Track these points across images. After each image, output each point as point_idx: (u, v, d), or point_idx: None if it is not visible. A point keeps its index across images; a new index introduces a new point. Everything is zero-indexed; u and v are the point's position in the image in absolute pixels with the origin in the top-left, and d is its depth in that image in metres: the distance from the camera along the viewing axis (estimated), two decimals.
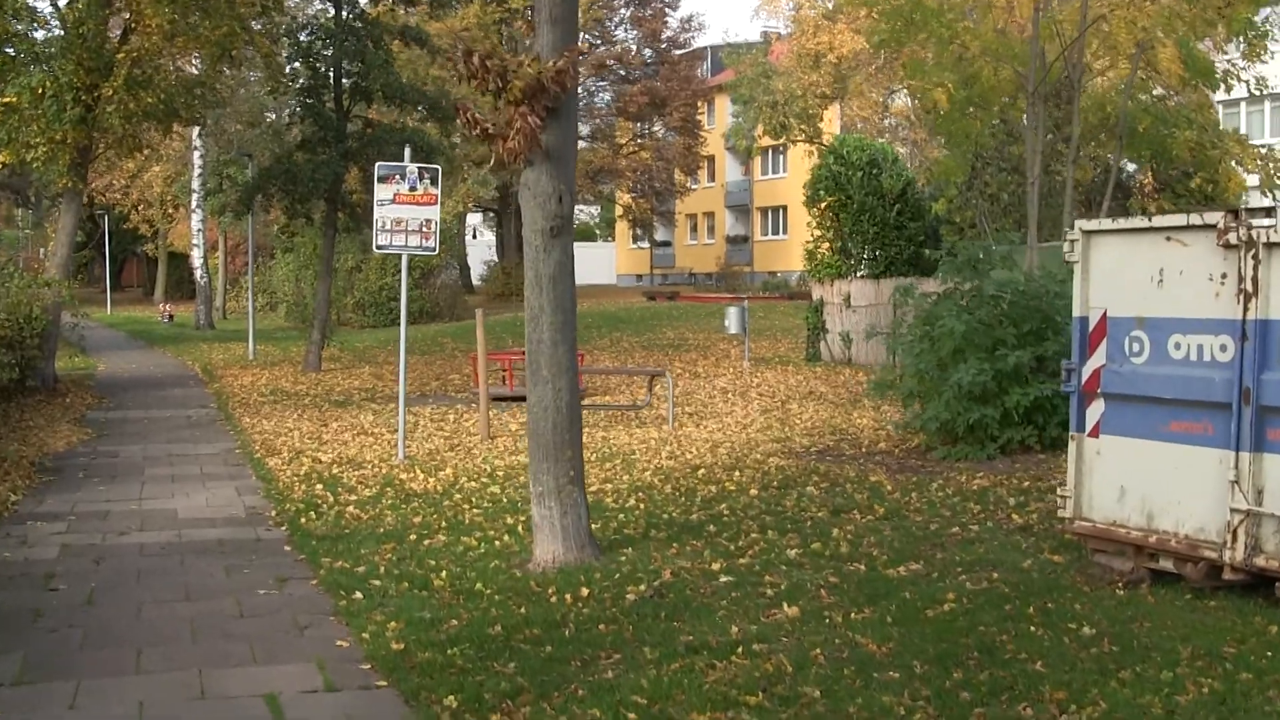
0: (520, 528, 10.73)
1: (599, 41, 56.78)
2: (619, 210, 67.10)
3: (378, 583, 9.03)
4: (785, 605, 7.97)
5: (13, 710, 6.61)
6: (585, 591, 8.44)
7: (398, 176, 15.29)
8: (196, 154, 43.98)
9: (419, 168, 15.42)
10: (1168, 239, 8.05)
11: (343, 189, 27.83)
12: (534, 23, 9.40)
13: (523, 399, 21.39)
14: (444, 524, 11.15)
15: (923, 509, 11.21)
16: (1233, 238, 7.63)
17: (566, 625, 7.76)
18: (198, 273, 47.20)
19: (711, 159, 68.56)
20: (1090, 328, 8.59)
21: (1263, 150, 22.43)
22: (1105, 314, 8.49)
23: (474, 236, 77.23)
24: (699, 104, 60.24)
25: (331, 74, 27.58)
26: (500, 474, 13.90)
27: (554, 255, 9.21)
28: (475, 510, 11.79)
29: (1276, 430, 7.52)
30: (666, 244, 76.80)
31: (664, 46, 59.16)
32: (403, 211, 15.26)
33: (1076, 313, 8.69)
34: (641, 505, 11.77)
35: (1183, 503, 7.97)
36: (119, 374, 29.23)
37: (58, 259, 23.84)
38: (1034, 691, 6.31)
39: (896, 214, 27.19)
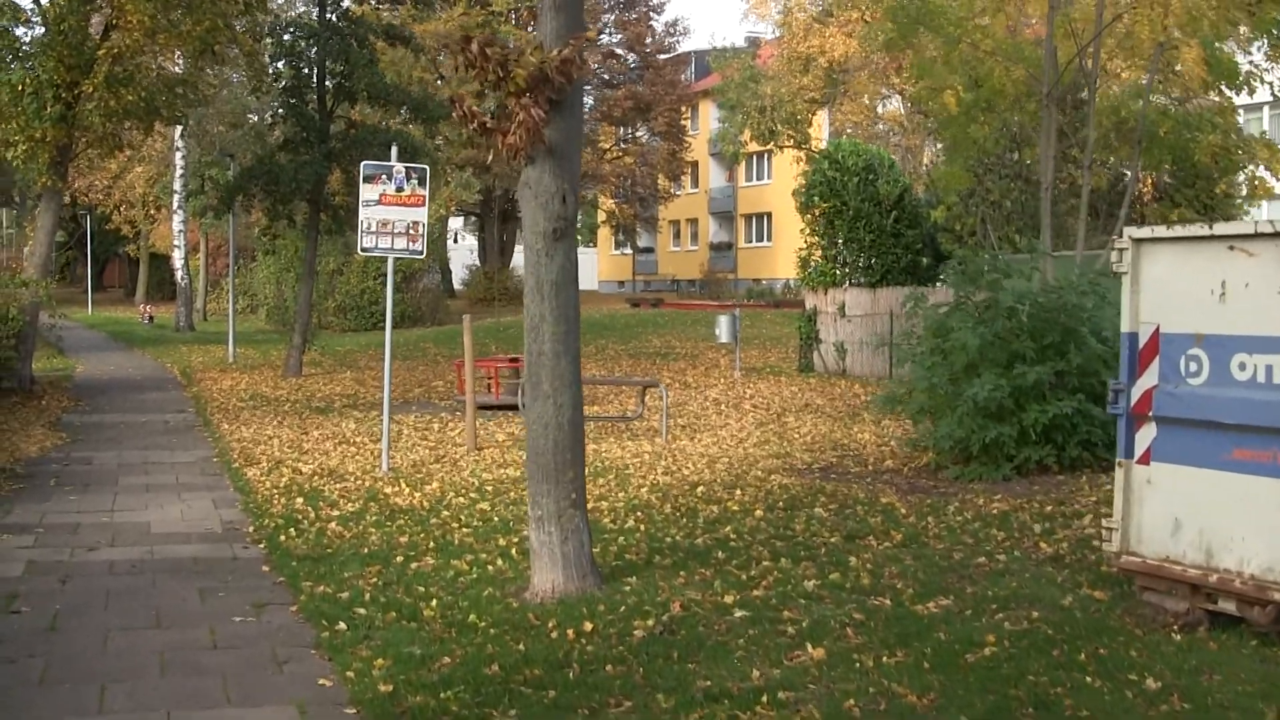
0: (514, 551, 10.03)
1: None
2: (601, 216, 66.52)
3: (363, 611, 8.31)
4: (809, 646, 7.26)
5: None
6: (589, 626, 7.72)
7: (384, 176, 14.60)
8: (178, 155, 43.26)
9: (407, 167, 14.73)
10: (1231, 248, 7.35)
11: (325, 190, 27.14)
12: (536, 9, 8.65)
13: (510, 408, 20.86)
14: (432, 544, 10.44)
15: (943, 535, 10.52)
16: None
17: (570, 665, 7.05)
18: (178, 274, 46.46)
19: (695, 165, 67.96)
20: (1140, 345, 7.90)
21: None
22: (1158, 330, 7.80)
23: (455, 240, 76.54)
24: (683, 109, 59.65)
25: (315, 73, 26.96)
26: (489, 489, 13.20)
27: (556, 259, 8.47)
28: (465, 529, 11.08)
29: None
30: (649, 250, 76.17)
31: (649, 51, 58.52)
32: (389, 213, 14.59)
33: (1125, 328, 7.98)
34: (642, 527, 11.07)
35: (1247, 539, 7.26)
36: (97, 376, 28.57)
37: (36, 259, 23.34)
38: None
39: (893, 221, 26.53)
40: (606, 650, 7.29)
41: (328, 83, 26.82)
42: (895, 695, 6.46)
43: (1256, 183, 20.46)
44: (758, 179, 66.63)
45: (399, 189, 14.57)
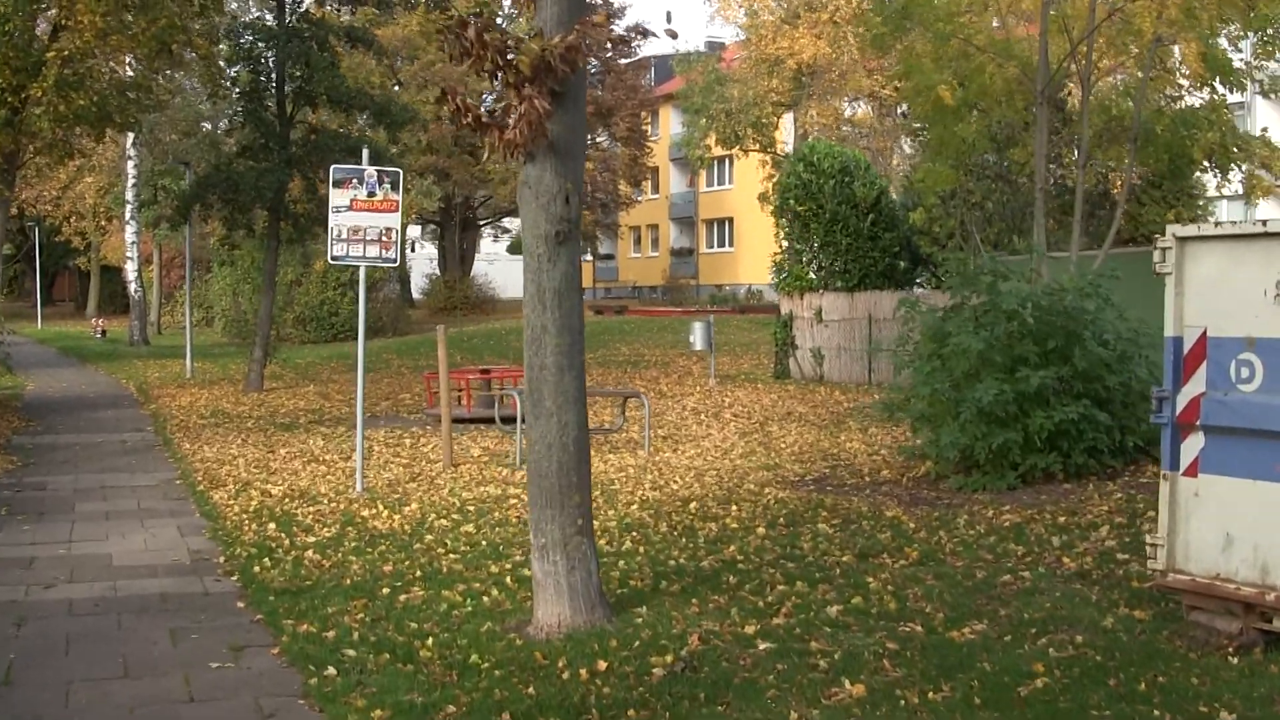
0: (509, 579, 9.39)
1: None
2: None
3: (352, 653, 7.63)
4: (846, 681, 6.68)
5: None
6: (603, 665, 7.09)
7: (355, 181, 13.95)
8: (131, 164, 42.27)
9: (379, 171, 14.08)
10: None
11: (286, 198, 26.36)
12: None
13: (485, 421, 20.18)
14: (419, 573, 9.78)
15: (959, 551, 9.97)
16: None
17: (588, 711, 6.43)
18: (132, 287, 45.35)
19: (656, 170, 67.39)
20: (1186, 350, 7.38)
21: None
22: (1205, 333, 7.28)
23: (413, 249, 75.63)
24: (644, 114, 59.05)
25: (274, 78, 26.21)
26: (471, 509, 12.56)
27: (559, 265, 7.79)
28: (452, 555, 10.43)
29: None
30: (609, 257, 75.57)
31: (609, 55, 57.87)
32: (360, 219, 13.94)
33: (1169, 332, 7.46)
34: (641, 548, 10.48)
35: None
36: (49, 393, 27.60)
37: None
38: None
39: (870, 224, 26.03)
40: (626, 693, 6.68)
41: (287, 87, 26.07)
42: None
43: (1254, 181, 20.07)
44: (719, 184, 66.17)
45: (370, 194, 13.92)
